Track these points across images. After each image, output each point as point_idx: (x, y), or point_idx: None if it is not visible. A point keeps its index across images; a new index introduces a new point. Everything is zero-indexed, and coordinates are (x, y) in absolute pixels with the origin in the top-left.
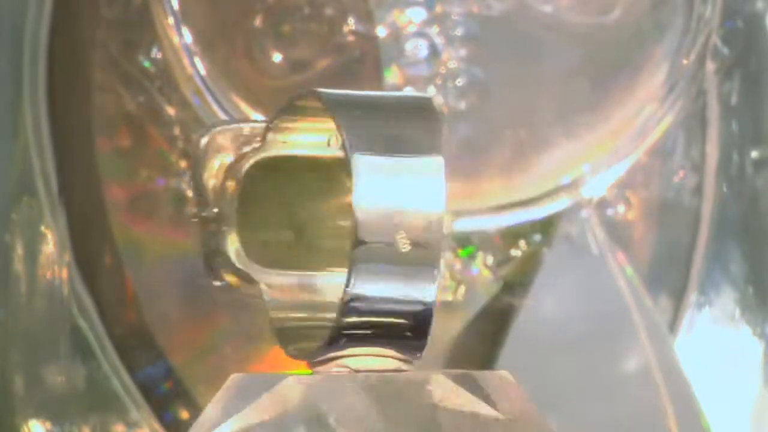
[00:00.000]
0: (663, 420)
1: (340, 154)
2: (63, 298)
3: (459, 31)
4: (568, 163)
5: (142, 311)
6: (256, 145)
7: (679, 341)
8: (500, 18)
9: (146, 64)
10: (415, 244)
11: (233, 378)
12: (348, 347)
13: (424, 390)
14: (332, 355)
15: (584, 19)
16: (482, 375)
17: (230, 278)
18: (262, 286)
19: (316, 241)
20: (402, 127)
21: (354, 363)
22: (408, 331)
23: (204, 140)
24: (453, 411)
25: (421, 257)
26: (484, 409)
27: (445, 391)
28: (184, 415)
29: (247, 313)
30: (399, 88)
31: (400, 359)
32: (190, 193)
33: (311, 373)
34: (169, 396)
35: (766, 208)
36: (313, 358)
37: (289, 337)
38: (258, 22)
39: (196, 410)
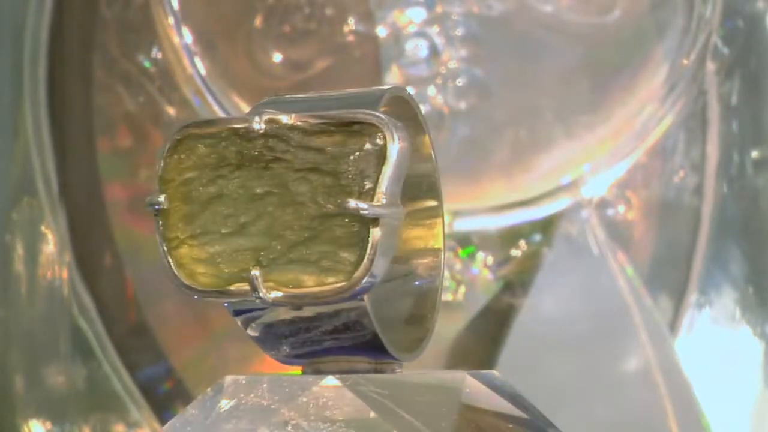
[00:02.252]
0: (663, 420)
1: None
2: (63, 298)
3: (459, 31)
4: (568, 163)
5: (142, 311)
6: None
7: (679, 341)
8: (500, 18)
9: (146, 64)
10: None
11: (225, 379)
12: (336, 353)
13: (406, 392)
14: (323, 358)
15: (584, 19)
16: (472, 374)
17: None
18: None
19: None
20: None
21: (340, 366)
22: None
23: None
24: (433, 413)
25: None
26: (467, 409)
27: (436, 393)
28: None
29: None
30: None
31: (386, 362)
32: None
33: (301, 374)
34: (169, 396)
35: (766, 208)
36: (300, 362)
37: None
38: (258, 22)
39: None
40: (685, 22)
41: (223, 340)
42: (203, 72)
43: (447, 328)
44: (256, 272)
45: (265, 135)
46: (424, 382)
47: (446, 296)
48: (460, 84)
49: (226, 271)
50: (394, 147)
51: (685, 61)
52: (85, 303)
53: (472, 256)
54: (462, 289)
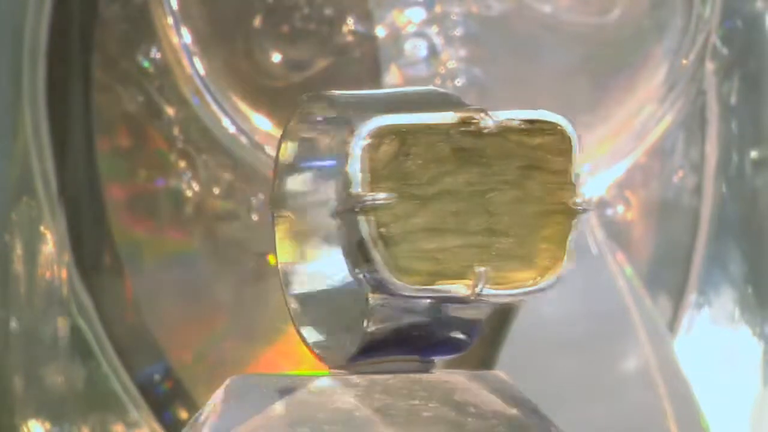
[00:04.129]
0: (663, 420)
1: None
2: (62, 298)
3: (458, 31)
4: None
5: (142, 311)
6: None
7: (678, 341)
8: (500, 18)
9: (145, 64)
10: None
11: (231, 380)
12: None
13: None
14: (380, 358)
15: (584, 19)
16: (480, 375)
17: None
18: None
19: None
20: None
21: (371, 367)
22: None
23: None
24: (439, 416)
25: None
26: (478, 409)
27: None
28: (184, 415)
29: (247, 314)
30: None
31: (419, 362)
32: (189, 193)
33: (327, 374)
34: (168, 396)
35: (765, 208)
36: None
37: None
38: (258, 22)
39: (195, 410)
40: (684, 23)
41: (223, 340)
42: (202, 72)
43: None
44: (482, 269)
45: (493, 133)
46: (481, 379)
47: None
48: (459, 84)
49: (448, 268)
50: (577, 144)
51: (685, 61)
52: (84, 303)
53: None
54: None
